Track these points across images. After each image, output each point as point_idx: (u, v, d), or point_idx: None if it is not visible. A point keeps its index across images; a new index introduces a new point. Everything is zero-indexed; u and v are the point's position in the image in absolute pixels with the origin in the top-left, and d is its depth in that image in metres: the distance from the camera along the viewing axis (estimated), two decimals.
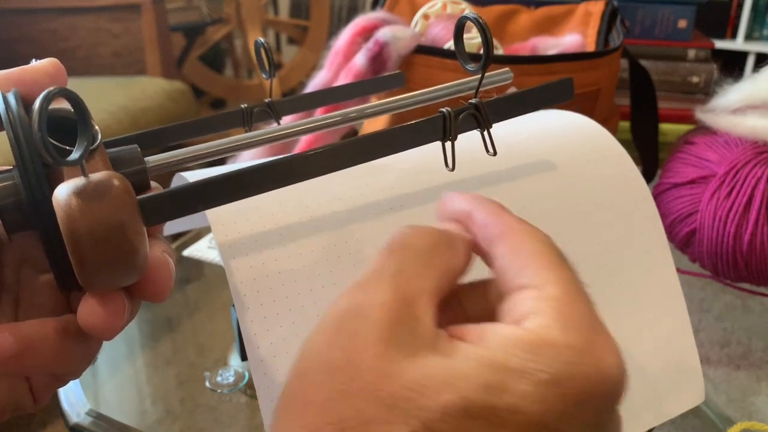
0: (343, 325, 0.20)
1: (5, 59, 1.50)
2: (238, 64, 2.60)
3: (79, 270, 0.20)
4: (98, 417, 0.46)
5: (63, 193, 0.20)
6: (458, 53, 0.26)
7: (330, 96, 0.37)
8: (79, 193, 0.19)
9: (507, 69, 0.33)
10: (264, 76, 0.32)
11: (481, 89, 0.28)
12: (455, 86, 0.32)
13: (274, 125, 0.34)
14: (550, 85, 0.29)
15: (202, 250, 0.67)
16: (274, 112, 0.34)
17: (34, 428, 1.02)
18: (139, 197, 0.21)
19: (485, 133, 0.27)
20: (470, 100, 0.27)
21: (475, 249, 0.24)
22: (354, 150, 0.26)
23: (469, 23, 0.25)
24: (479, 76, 0.27)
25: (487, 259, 0.23)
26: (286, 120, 0.34)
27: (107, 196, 0.20)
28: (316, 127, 0.30)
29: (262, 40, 0.32)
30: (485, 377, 0.18)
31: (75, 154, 0.20)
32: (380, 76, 0.39)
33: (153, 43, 1.51)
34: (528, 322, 0.20)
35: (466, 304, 0.24)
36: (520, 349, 0.19)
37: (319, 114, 0.37)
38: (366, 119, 0.32)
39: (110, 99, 1.23)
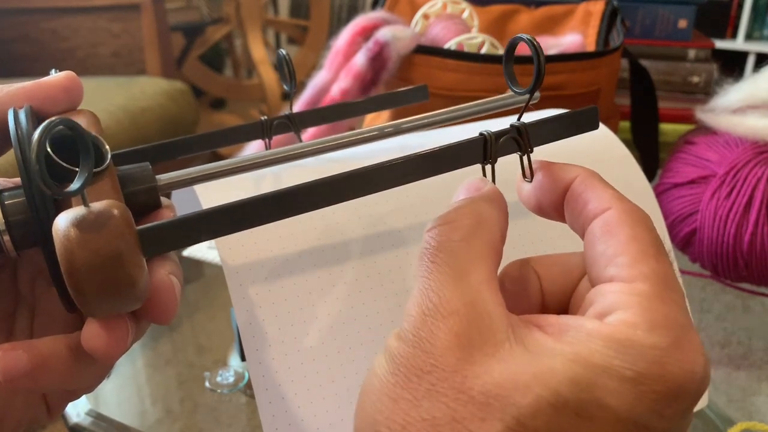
0: (421, 332, 0.20)
1: (5, 59, 1.50)
2: (238, 63, 2.60)
3: (78, 299, 0.20)
4: (98, 417, 0.46)
5: (62, 224, 0.19)
6: (507, 75, 0.25)
7: (350, 109, 0.36)
8: (78, 225, 0.19)
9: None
10: (285, 87, 0.32)
11: (523, 110, 0.27)
12: (480, 105, 0.31)
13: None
14: (580, 112, 0.27)
15: (202, 250, 0.67)
16: (294, 124, 0.34)
17: (34, 428, 1.02)
18: (139, 227, 0.21)
19: (524, 157, 0.26)
20: (512, 123, 0.26)
21: (570, 224, 0.24)
22: (389, 173, 0.24)
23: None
24: (525, 97, 0.26)
25: (579, 232, 0.24)
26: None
27: (106, 227, 0.19)
28: (337, 146, 0.30)
29: (284, 52, 0.31)
30: (572, 373, 0.18)
31: (75, 184, 0.19)
32: (403, 89, 0.37)
33: (153, 43, 1.51)
34: (613, 317, 0.20)
35: (544, 280, 0.25)
36: (604, 345, 0.19)
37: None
38: (386, 138, 0.31)
39: (110, 99, 1.23)
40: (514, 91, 0.25)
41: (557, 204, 0.24)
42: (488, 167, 0.26)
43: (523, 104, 0.27)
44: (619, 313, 0.20)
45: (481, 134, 0.25)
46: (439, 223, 0.22)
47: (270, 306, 0.28)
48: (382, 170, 0.24)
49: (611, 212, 0.22)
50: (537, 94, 0.32)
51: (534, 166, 0.25)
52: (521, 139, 0.25)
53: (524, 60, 0.61)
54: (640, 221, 0.22)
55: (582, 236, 0.23)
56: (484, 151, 0.25)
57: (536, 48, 0.23)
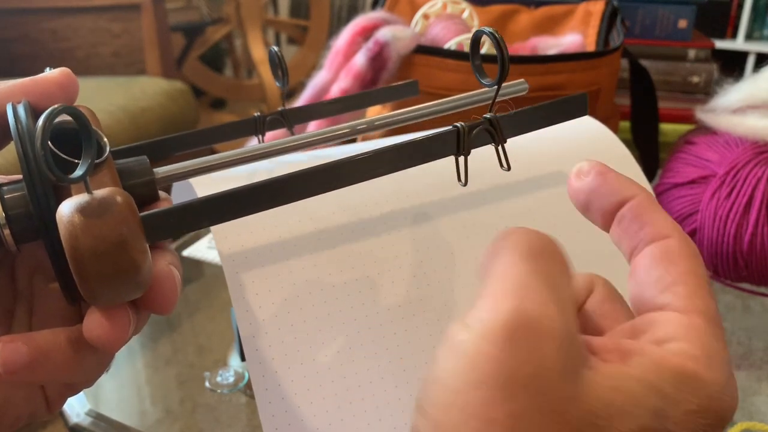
0: (517, 336, 0.18)
1: (5, 59, 1.50)
2: (238, 63, 2.60)
3: (82, 286, 0.20)
4: (98, 417, 0.46)
5: (66, 210, 0.20)
6: (474, 68, 0.26)
7: (342, 105, 0.36)
8: (82, 210, 0.19)
9: (522, 80, 0.32)
10: (278, 84, 0.32)
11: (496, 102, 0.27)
12: (469, 97, 0.32)
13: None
14: (564, 100, 0.28)
15: (201, 250, 0.67)
16: (287, 120, 0.34)
17: (33, 428, 1.02)
18: (142, 214, 0.21)
19: (499, 148, 0.26)
20: (484, 115, 0.26)
21: (617, 237, 0.24)
22: (364, 165, 0.25)
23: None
24: (494, 89, 0.26)
25: (625, 249, 0.24)
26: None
27: (109, 213, 0.20)
28: (327, 138, 0.30)
29: (275, 48, 0.31)
30: (653, 403, 0.19)
31: (79, 171, 0.20)
32: (394, 84, 0.38)
33: (153, 43, 1.51)
34: (673, 346, 0.20)
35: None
36: (671, 376, 0.19)
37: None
38: (375, 131, 0.31)
39: (110, 99, 1.23)
40: (483, 83, 0.26)
41: (606, 212, 0.24)
42: (461, 159, 0.26)
43: (514, 96, 0.27)
44: (681, 344, 0.20)
45: (454, 126, 0.26)
46: (544, 234, 0.22)
47: (270, 306, 0.28)
48: (357, 162, 0.25)
49: (673, 241, 0.22)
50: (525, 86, 0.32)
51: (589, 165, 0.25)
52: (494, 131, 0.26)
53: (524, 60, 0.61)
54: (697, 256, 0.22)
55: (628, 254, 0.23)
56: (458, 142, 0.26)
57: (499, 41, 0.23)
